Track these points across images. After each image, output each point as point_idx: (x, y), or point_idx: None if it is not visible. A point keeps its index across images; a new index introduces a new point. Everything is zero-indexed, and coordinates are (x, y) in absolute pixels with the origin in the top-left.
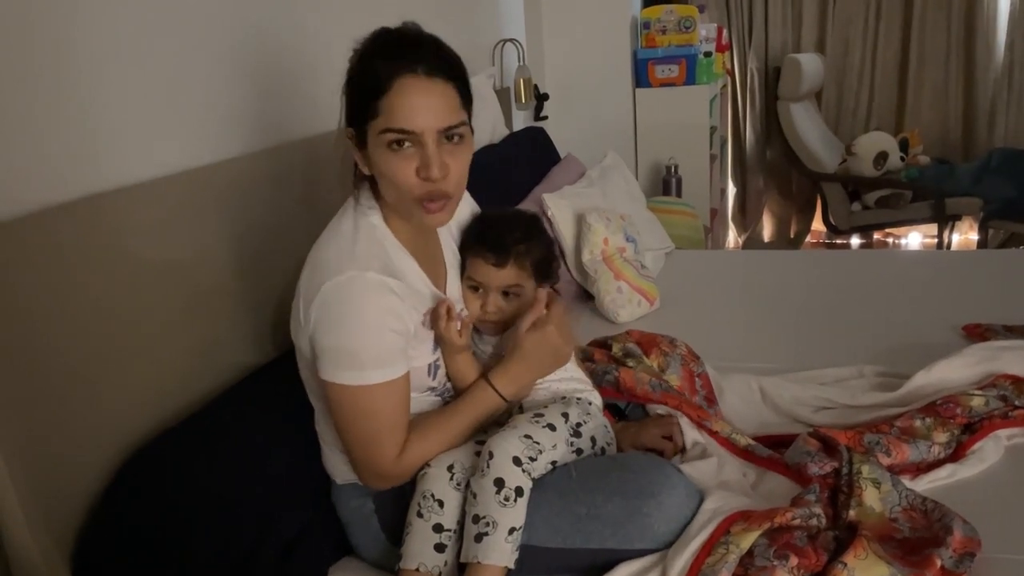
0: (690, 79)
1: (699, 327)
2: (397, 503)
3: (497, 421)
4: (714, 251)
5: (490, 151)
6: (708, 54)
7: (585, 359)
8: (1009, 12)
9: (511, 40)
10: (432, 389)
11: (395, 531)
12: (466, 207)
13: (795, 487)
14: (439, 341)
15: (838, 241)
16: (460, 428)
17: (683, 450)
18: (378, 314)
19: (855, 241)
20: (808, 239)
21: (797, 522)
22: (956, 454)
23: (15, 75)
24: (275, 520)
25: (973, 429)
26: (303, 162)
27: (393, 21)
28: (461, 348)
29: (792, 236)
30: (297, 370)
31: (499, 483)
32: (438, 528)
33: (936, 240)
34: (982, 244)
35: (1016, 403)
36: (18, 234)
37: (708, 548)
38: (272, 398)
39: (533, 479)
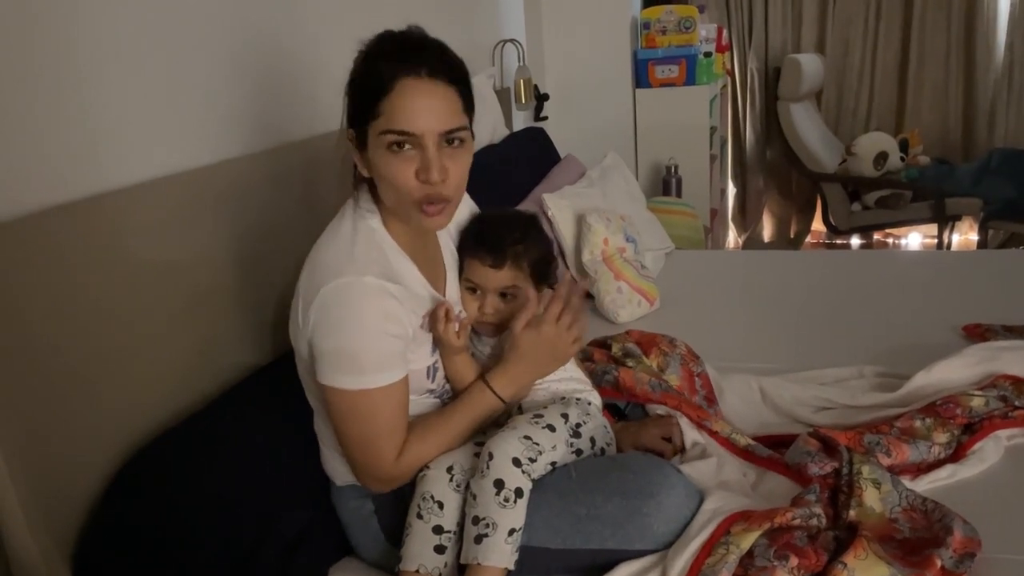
0: (690, 79)
1: (699, 327)
2: (396, 504)
3: (496, 422)
4: (714, 251)
5: (490, 151)
6: (708, 54)
7: (585, 359)
8: (1009, 12)
9: (511, 40)
10: (431, 391)
11: (395, 532)
12: (465, 208)
13: (795, 487)
14: (437, 343)
15: (838, 241)
16: (459, 430)
17: (683, 450)
18: (377, 318)
19: (855, 241)
20: (808, 239)
21: (797, 522)
22: (956, 454)
23: (15, 75)
24: (275, 520)
25: (973, 429)
26: (303, 163)
27: (393, 22)
28: (459, 350)
29: (792, 236)
30: (297, 371)
31: (499, 484)
32: (438, 530)
33: (936, 240)
34: (982, 244)
35: (1016, 403)
36: (18, 234)
37: (708, 548)
38: (272, 398)
39: (533, 480)
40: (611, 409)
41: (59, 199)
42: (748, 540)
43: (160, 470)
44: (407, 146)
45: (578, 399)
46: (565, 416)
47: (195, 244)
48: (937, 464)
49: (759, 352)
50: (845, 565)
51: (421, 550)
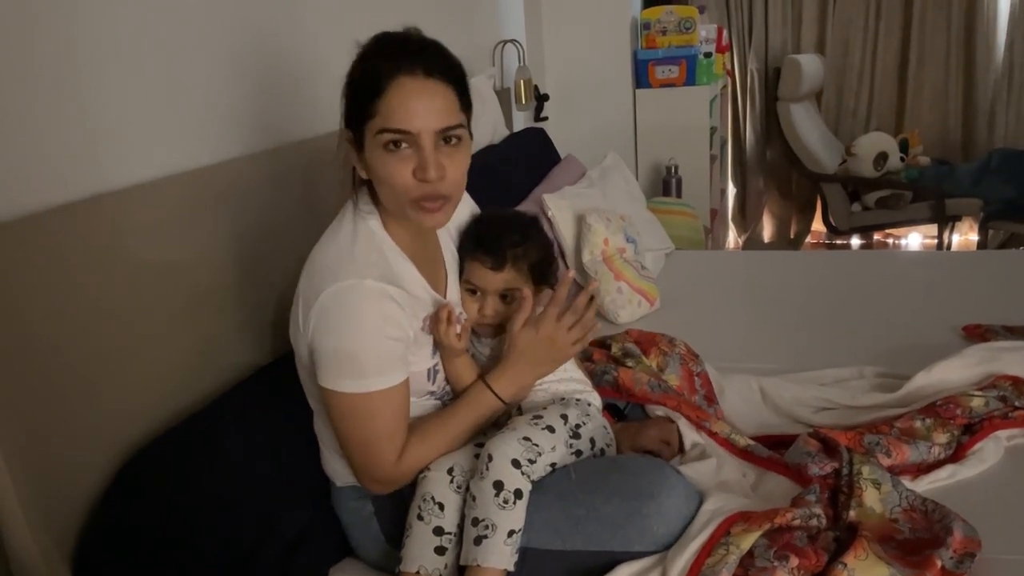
0: (690, 80)
1: (699, 328)
2: (396, 505)
3: (496, 423)
4: (714, 251)
5: (490, 152)
6: (708, 55)
7: (584, 359)
8: (1009, 12)
9: (511, 41)
10: (431, 393)
11: (394, 533)
12: (465, 208)
13: (795, 487)
14: (438, 345)
15: (838, 242)
16: (459, 431)
17: (682, 451)
18: (377, 321)
19: (855, 242)
20: (808, 240)
21: (797, 523)
22: (956, 455)
23: (15, 75)
24: (276, 521)
25: (973, 430)
26: (303, 163)
27: (394, 22)
28: (460, 352)
29: (792, 237)
30: (296, 371)
31: (498, 485)
32: (438, 531)
33: (936, 241)
34: (982, 245)
35: (1016, 404)
36: (18, 234)
37: (708, 549)
38: (272, 398)
39: (532, 481)
40: (611, 410)
41: (59, 199)
42: (748, 540)
43: (160, 470)
44: (404, 145)
45: (578, 400)
46: (565, 417)
47: (195, 244)
48: (937, 464)
49: (759, 352)
50: (845, 565)
51: (421, 551)
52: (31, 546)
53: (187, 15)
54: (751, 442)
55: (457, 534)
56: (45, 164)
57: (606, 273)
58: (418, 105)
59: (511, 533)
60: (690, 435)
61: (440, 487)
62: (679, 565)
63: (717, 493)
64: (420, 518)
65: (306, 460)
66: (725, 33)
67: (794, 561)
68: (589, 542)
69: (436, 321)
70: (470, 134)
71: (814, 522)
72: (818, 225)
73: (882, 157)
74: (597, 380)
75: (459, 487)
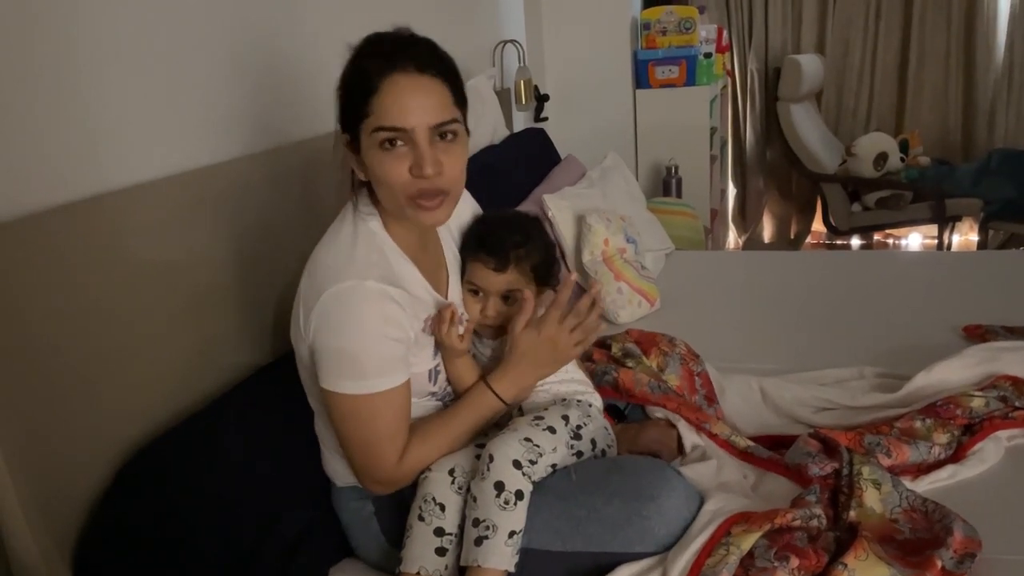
0: (690, 80)
1: (699, 328)
2: (397, 506)
3: (497, 424)
4: (714, 252)
5: (490, 152)
6: (708, 55)
7: (585, 359)
8: (1009, 13)
9: (511, 41)
10: (432, 394)
11: (395, 533)
12: (468, 209)
13: (795, 488)
14: (440, 346)
15: (838, 242)
16: (460, 432)
17: (682, 453)
18: (378, 322)
19: (855, 242)
20: (808, 240)
21: (798, 523)
22: (956, 455)
23: (15, 75)
24: (276, 521)
25: (973, 430)
26: (302, 164)
27: (393, 23)
28: (461, 352)
29: (792, 237)
30: (297, 371)
31: (499, 486)
32: (439, 532)
33: (936, 241)
34: (982, 245)
35: (1016, 404)
36: (18, 234)
37: (708, 549)
38: (272, 398)
39: (533, 482)
40: (611, 410)
41: (59, 199)
42: (748, 541)
43: (160, 470)
44: (399, 143)
45: (579, 401)
46: (566, 418)
47: (195, 244)
48: (937, 465)
49: (759, 353)
50: (846, 566)
51: (422, 552)
52: (31, 546)
53: (187, 15)
54: (751, 444)
55: (458, 535)
56: (45, 164)
57: (606, 273)
58: (412, 101)
59: (512, 534)
60: (690, 437)
61: (441, 488)
62: (679, 565)
63: (718, 494)
64: (421, 519)
65: (306, 460)
66: (725, 33)
67: (794, 562)
68: (590, 543)
69: (439, 322)
70: (467, 129)
71: (814, 522)
72: (818, 225)
73: (882, 157)
74: (597, 380)
75: (460, 488)
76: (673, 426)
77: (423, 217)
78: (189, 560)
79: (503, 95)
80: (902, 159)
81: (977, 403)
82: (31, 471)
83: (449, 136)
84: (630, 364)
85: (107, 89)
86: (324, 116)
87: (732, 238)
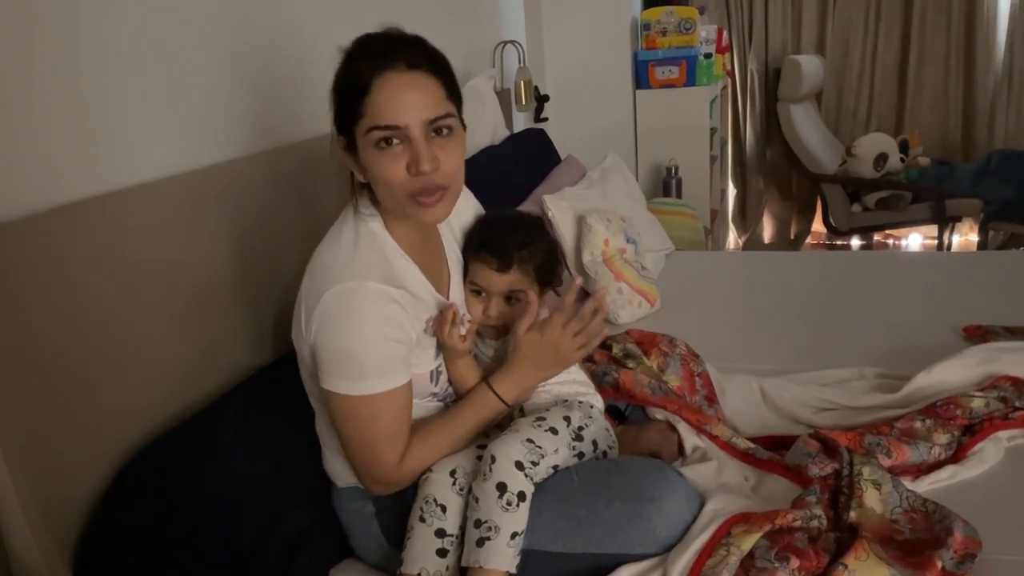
0: (690, 80)
1: (700, 328)
2: (398, 507)
3: (499, 424)
4: (714, 252)
5: (491, 152)
6: (708, 55)
7: (586, 359)
8: (1009, 13)
9: (511, 42)
10: (434, 395)
11: (395, 534)
12: (470, 209)
13: (795, 489)
14: (441, 346)
15: (838, 242)
16: (461, 433)
17: (683, 454)
18: (379, 323)
19: (855, 242)
20: (808, 240)
21: (798, 524)
22: (956, 455)
23: (15, 75)
24: (276, 521)
25: (973, 430)
26: (302, 164)
27: (394, 24)
28: (463, 353)
29: (792, 237)
30: (298, 372)
31: (501, 488)
32: (440, 533)
33: (936, 241)
34: (982, 245)
35: (1016, 404)
36: (18, 235)
37: (709, 550)
38: (273, 399)
39: (535, 483)
40: (611, 411)
41: (59, 199)
42: (749, 541)
43: (161, 470)
44: (395, 141)
45: (580, 402)
46: (567, 419)
47: (195, 244)
48: (937, 465)
49: (760, 353)
50: (846, 566)
51: (423, 553)
52: (31, 546)
53: (187, 16)
54: (752, 445)
55: (459, 536)
56: (45, 164)
57: (606, 274)
58: (404, 98)
59: (514, 535)
60: (691, 439)
61: (442, 489)
62: (680, 566)
63: (718, 494)
64: (422, 520)
65: (307, 461)
66: (725, 34)
67: (795, 562)
68: (590, 544)
69: (440, 322)
70: (463, 124)
71: (815, 523)
72: (818, 226)
73: (882, 158)
74: (598, 381)
75: (462, 489)
76: (673, 428)
77: (423, 214)
78: (189, 560)
79: (503, 95)
80: (902, 159)
81: (977, 403)
82: (31, 471)
83: (445, 131)
84: (631, 365)
85: (107, 89)
86: (324, 116)
87: (732, 238)
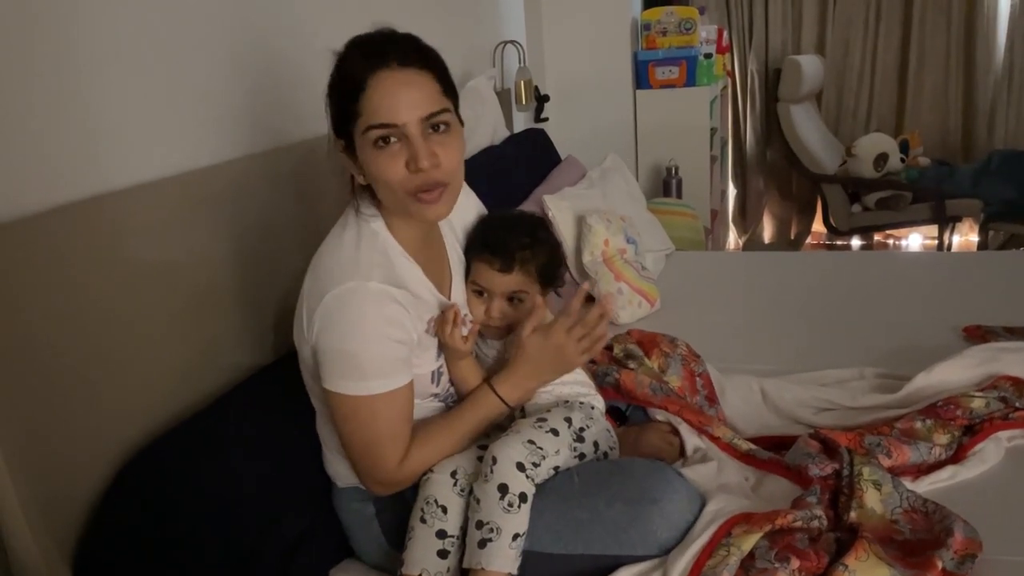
0: (690, 81)
1: (700, 328)
2: (398, 507)
3: (500, 425)
4: (714, 252)
5: (491, 152)
6: (708, 56)
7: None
8: (1009, 14)
9: (511, 42)
10: (435, 395)
11: (396, 535)
12: (472, 208)
13: (796, 489)
14: (443, 347)
15: (838, 242)
16: (462, 433)
17: (684, 455)
18: (380, 324)
19: (855, 242)
20: (808, 240)
21: (798, 524)
22: (957, 456)
23: (15, 76)
24: (276, 521)
25: (974, 431)
26: (302, 164)
27: (394, 25)
28: (465, 354)
29: (792, 237)
30: (298, 372)
31: (503, 489)
32: (441, 534)
33: (936, 241)
34: (982, 246)
35: (1016, 405)
36: (18, 235)
37: (709, 550)
38: (273, 399)
39: (536, 484)
40: (612, 412)
41: (59, 200)
42: (749, 542)
43: (161, 470)
44: (392, 139)
45: (581, 403)
46: (569, 420)
47: (195, 245)
48: (938, 465)
49: (760, 353)
50: (846, 567)
51: (424, 554)
52: (31, 546)
53: (187, 16)
54: (752, 446)
55: (460, 537)
56: (45, 164)
57: (606, 274)
58: (399, 96)
59: (515, 536)
60: (691, 440)
61: (443, 490)
62: (680, 567)
63: (719, 495)
64: (423, 520)
65: (307, 461)
66: (725, 34)
67: (795, 563)
68: (591, 546)
69: (441, 323)
70: (460, 120)
71: (815, 523)
72: (818, 226)
73: (882, 158)
74: (599, 382)
75: (463, 490)
76: (674, 429)
77: (425, 211)
78: (189, 560)
79: (503, 96)
80: (902, 160)
81: (977, 404)
82: (31, 471)
83: (442, 127)
84: (632, 365)
85: (107, 89)
86: (324, 117)
87: (732, 239)
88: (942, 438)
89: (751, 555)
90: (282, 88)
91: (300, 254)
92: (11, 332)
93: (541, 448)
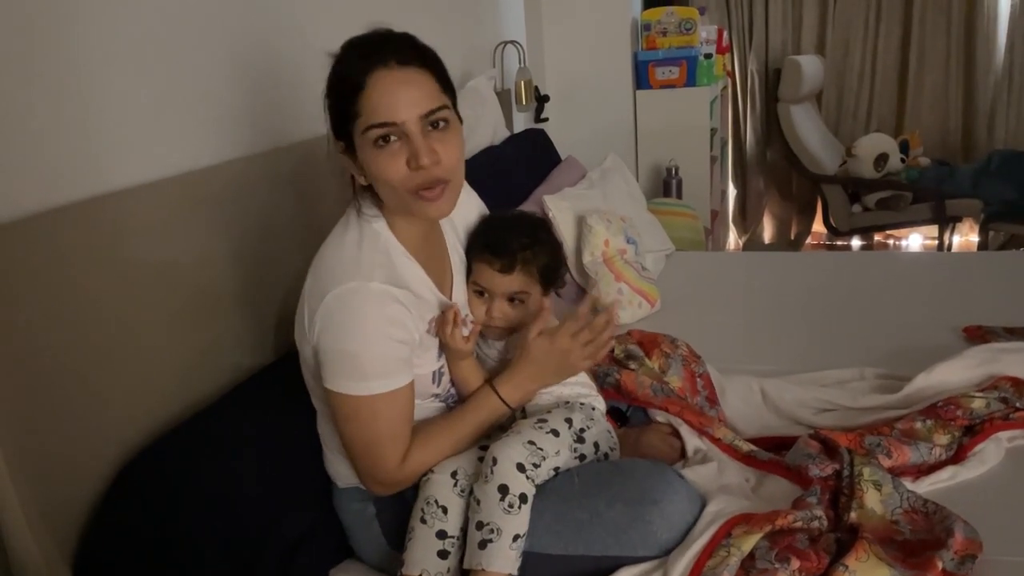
0: (690, 81)
1: (700, 329)
2: (399, 508)
3: (500, 426)
4: (714, 253)
5: (491, 153)
6: (708, 56)
7: None
8: (1009, 14)
9: (512, 42)
10: (436, 396)
11: (396, 535)
12: (474, 209)
13: (796, 490)
14: (444, 347)
15: (838, 243)
16: (463, 434)
17: (684, 456)
18: (381, 324)
19: (855, 243)
20: (808, 241)
21: (799, 524)
22: (957, 456)
23: (15, 76)
24: (277, 522)
25: (974, 431)
26: (302, 164)
27: (393, 25)
28: (466, 354)
29: (792, 238)
30: (299, 372)
31: (503, 489)
32: (441, 534)
33: (936, 242)
34: (982, 246)
35: (1017, 405)
36: (18, 235)
37: (709, 551)
38: (274, 399)
39: (536, 485)
40: (613, 413)
41: (59, 200)
42: (749, 542)
43: (161, 471)
44: (393, 138)
45: (582, 404)
46: (569, 421)
47: (195, 245)
48: (938, 466)
49: (760, 354)
50: (846, 567)
51: (424, 555)
52: (32, 547)
53: (187, 16)
54: (753, 447)
55: (460, 538)
56: (45, 164)
57: (606, 274)
58: (398, 94)
59: (516, 537)
60: (692, 441)
61: (443, 490)
62: (680, 567)
63: (719, 495)
64: (423, 521)
65: (308, 461)
66: (725, 34)
67: (795, 563)
68: (592, 547)
69: (442, 323)
70: (459, 117)
71: (815, 524)
72: (818, 226)
73: (882, 158)
74: (600, 382)
75: (463, 490)
76: (675, 431)
77: (427, 209)
78: (189, 561)
79: (503, 96)
80: (902, 160)
81: (978, 404)
82: (32, 471)
83: (441, 124)
84: (633, 366)
85: (107, 89)
86: (323, 117)
87: (732, 239)
88: (942, 438)
89: (751, 556)
90: (282, 88)
91: (300, 254)
92: (11, 332)
93: (541, 449)
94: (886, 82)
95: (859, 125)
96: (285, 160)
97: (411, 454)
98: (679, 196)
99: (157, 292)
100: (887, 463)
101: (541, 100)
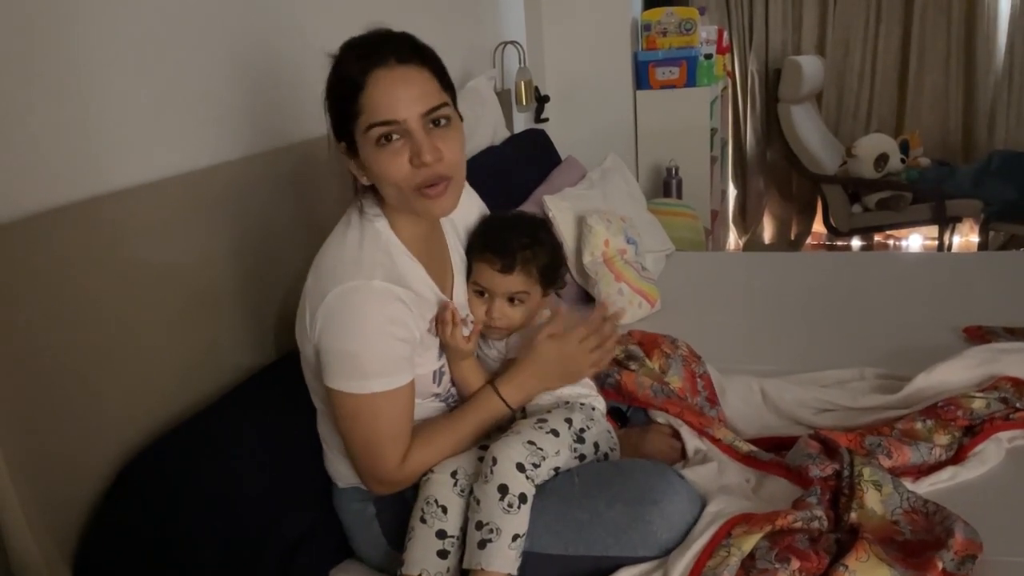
0: (691, 81)
1: (700, 329)
2: (399, 507)
3: (500, 426)
4: (714, 253)
5: (491, 153)
6: (709, 56)
7: None
8: (1010, 14)
9: (512, 42)
10: (436, 395)
11: (396, 535)
12: (475, 209)
13: (796, 490)
14: (444, 347)
15: (839, 243)
16: (464, 434)
17: (684, 457)
18: (382, 322)
19: (856, 243)
20: (809, 241)
21: (799, 525)
22: (957, 456)
23: (15, 77)
24: (277, 522)
25: (974, 431)
26: (302, 165)
27: (394, 25)
28: (467, 354)
29: (792, 238)
30: (299, 371)
31: (503, 489)
32: (441, 534)
33: (937, 242)
34: (983, 246)
35: (1017, 405)
36: (18, 236)
37: (709, 551)
38: (274, 399)
39: (536, 485)
40: (613, 413)
41: (59, 200)
42: (749, 543)
43: (161, 471)
44: (394, 136)
45: (582, 404)
46: (569, 421)
47: (195, 245)
48: (938, 466)
49: (760, 354)
50: (847, 567)
51: (424, 555)
52: (32, 546)
53: (187, 16)
54: (753, 448)
55: (460, 537)
56: (45, 165)
57: (606, 274)
58: (399, 92)
59: (515, 537)
60: (692, 441)
61: (443, 490)
62: (680, 567)
63: (719, 496)
64: (423, 521)
65: (308, 461)
66: (725, 34)
67: (795, 563)
68: (592, 547)
69: (441, 323)
70: (459, 115)
71: (815, 524)
72: (818, 226)
73: (882, 158)
74: (600, 383)
75: (463, 490)
76: (675, 432)
77: (431, 206)
78: (189, 561)
79: (503, 96)
80: (902, 160)
81: (978, 404)
82: (32, 471)
83: (442, 122)
84: (633, 367)
85: (107, 89)
86: (324, 118)
87: (732, 239)
88: (942, 439)
89: (751, 556)
90: (282, 88)
91: (300, 254)
92: (11, 332)
93: (541, 449)
94: (886, 82)
95: (859, 125)
96: (285, 160)
97: (411, 453)
98: (679, 196)
99: (157, 292)
100: (887, 463)
101: (541, 100)
